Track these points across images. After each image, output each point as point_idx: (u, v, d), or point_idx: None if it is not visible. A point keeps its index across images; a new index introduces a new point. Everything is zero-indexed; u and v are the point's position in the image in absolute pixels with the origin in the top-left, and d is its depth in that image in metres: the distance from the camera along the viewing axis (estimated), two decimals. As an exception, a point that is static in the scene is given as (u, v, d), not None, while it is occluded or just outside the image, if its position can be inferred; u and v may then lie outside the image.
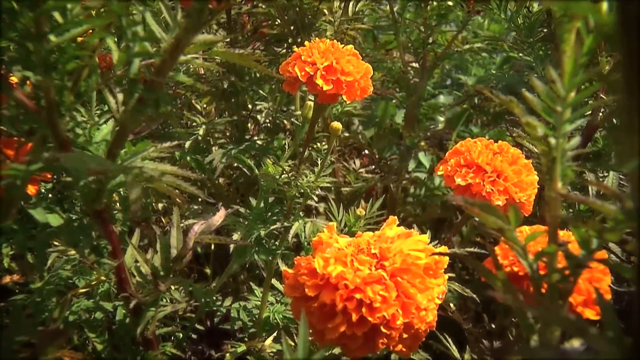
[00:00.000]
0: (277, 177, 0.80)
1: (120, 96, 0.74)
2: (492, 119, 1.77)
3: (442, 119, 1.90)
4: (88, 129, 0.69)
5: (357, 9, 1.04)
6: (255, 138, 1.10)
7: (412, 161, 1.59)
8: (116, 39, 0.60)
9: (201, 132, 1.01)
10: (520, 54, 1.08)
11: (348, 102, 0.81)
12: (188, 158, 1.01)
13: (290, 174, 0.80)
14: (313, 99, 0.81)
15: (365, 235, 0.64)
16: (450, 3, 1.48)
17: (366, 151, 1.38)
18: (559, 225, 0.49)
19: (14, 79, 0.59)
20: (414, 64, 1.38)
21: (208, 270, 1.14)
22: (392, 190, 1.20)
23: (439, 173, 0.74)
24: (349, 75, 0.74)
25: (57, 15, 0.56)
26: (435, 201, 1.32)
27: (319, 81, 0.72)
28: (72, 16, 0.57)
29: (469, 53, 1.40)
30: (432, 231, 1.54)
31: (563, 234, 0.55)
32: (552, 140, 0.48)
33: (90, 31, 0.61)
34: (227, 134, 1.12)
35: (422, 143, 1.39)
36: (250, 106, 1.10)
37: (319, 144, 0.97)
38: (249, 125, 1.13)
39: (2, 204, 0.65)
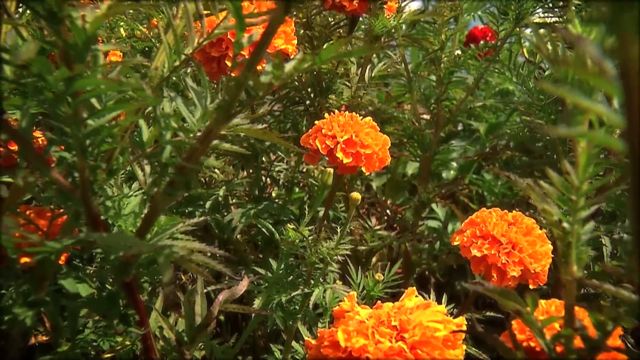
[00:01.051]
0: (298, 242, 0.83)
1: (147, 168, 0.78)
2: (503, 165, 1.80)
3: (454, 164, 1.93)
4: (117, 201, 0.72)
5: (373, 74, 1.08)
6: (274, 195, 1.13)
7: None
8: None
9: (221, 192, 1.04)
10: (532, 117, 1.11)
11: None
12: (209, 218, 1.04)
13: (310, 240, 0.82)
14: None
15: (385, 306, 0.66)
16: (458, 52, 1.52)
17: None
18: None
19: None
20: (426, 116, 1.42)
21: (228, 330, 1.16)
22: (408, 250, 1.22)
23: (455, 243, 0.76)
24: (368, 147, 0.77)
25: (94, 101, 0.59)
26: (450, 252, 1.34)
27: (339, 154, 0.75)
28: (107, 101, 0.60)
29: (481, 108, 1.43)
30: (446, 277, 1.56)
31: (578, 310, 0.57)
32: (567, 226, 0.50)
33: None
34: (246, 191, 1.15)
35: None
36: (268, 165, 1.13)
37: (336, 204, 1.00)
38: (267, 182, 1.16)
39: (35, 277, 0.68)
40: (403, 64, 1.26)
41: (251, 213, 1.02)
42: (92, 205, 0.63)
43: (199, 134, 0.58)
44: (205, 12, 0.65)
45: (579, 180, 0.47)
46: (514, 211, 0.76)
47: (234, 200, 1.11)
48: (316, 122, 0.80)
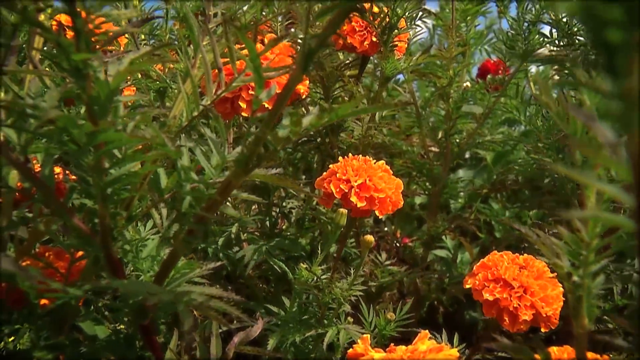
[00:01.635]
0: (311, 282, 0.84)
1: (164, 211, 0.79)
2: (511, 196, 1.81)
3: (462, 194, 1.94)
4: (135, 244, 0.73)
5: (384, 114, 1.10)
6: (285, 231, 1.14)
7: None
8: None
9: (233, 229, 1.05)
10: (540, 155, 1.12)
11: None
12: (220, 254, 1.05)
13: (323, 280, 0.83)
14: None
15: (398, 350, 0.67)
16: (467, 84, 1.54)
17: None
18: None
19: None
20: (434, 148, 1.43)
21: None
22: (419, 286, 1.23)
23: (467, 286, 0.77)
24: (382, 192, 0.78)
25: (115, 151, 0.61)
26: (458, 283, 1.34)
27: (354, 199, 0.77)
28: (128, 149, 0.62)
29: (489, 143, 1.44)
30: (455, 306, 1.56)
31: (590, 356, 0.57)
32: (578, 279, 0.51)
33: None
34: (257, 227, 1.16)
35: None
36: (279, 202, 1.14)
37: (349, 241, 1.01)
38: (278, 217, 1.17)
39: (55, 321, 0.69)
40: (412, 98, 1.28)
41: (263, 249, 1.03)
42: (112, 250, 0.65)
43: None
44: (222, 60, 0.67)
45: (589, 236, 0.48)
46: (524, 254, 0.77)
47: (245, 236, 1.12)
48: (330, 165, 0.82)
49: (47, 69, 0.81)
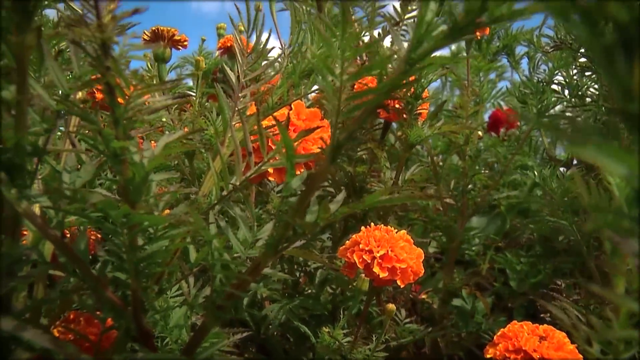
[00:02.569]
0: (333, 346, 0.85)
1: (191, 280, 0.82)
2: (525, 249, 1.81)
3: (477, 240, 1.94)
4: (164, 314, 0.75)
5: (406, 177, 1.12)
6: (306, 288, 1.16)
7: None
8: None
9: (259, 291, 1.07)
10: (555, 218, 1.14)
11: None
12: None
13: (345, 344, 0.85)
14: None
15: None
16: (479, 133, 1.56)
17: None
18: None
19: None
20: (449, 201, 1.45)
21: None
22: (439, 344, 1.24)
23: (488, 356, 0.78)
24: (403, 262, 0.80)
25: (150, 229, 0.64)
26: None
27: (376, 269, 0.79)
28: (160, 224, 0.65)
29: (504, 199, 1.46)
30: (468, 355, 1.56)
31: None
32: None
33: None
34: (281, 286, 1.18)
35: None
36: (302, 261, 1.16)
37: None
38: (300, 277, 1.19)
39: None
40: (428, 157, 1.31)
41: (286, 309, 1.05)
42: (143, 322, 0.67)
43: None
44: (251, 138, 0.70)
45: (619, 326, 0.50)
46: (544, 325, 0.79)
47: (266, 294, 1.14)
48: (353, 235, 0.84)
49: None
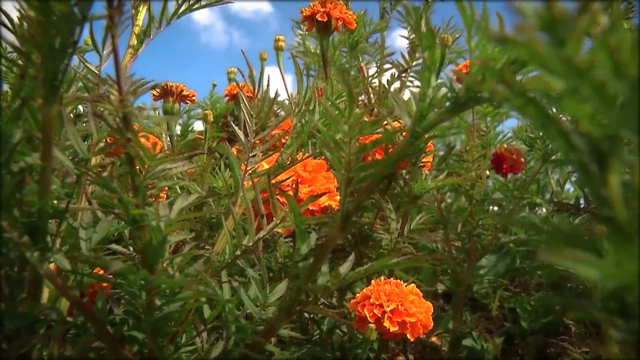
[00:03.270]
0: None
1: (204, 335, 0.84)
2: (534, 287, 1.82)
3: (486, 280, 1.95)
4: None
5: (412, 227, 1.14)
6: (314, 333, 1.17)
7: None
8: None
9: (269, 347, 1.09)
10: (563, 267, 1.15)
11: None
12: None
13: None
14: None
15: None
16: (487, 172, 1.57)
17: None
18: None
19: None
20: (457, 243, 1.47)
21: None
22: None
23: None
24: (413, 316, 0.82)
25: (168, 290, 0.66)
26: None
27: (387, 323, 0.81)
28: (176, 287, 0.67)
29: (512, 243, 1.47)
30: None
31: None
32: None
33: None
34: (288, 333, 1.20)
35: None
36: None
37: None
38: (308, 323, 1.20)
39: None
40: (435, 202, 1.33)
41: (295, 357, 1.06)
42: (159, 379, 0.69)
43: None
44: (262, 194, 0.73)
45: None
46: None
47: (274, 341, 1.16)
48: (364, 289, 0.86)
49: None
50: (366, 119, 1.35)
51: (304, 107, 0.73)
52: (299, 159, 0.74)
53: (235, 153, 1.62)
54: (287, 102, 1.40)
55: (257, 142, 0.77)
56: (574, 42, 0.25)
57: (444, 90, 0.51)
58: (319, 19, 0.99)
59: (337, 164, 0.52)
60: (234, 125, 0.76)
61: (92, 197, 0.80)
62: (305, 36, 1.90)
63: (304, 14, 1.02)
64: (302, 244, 0.57)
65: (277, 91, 0.83)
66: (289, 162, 0.73)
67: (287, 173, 0.78)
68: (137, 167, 0.59)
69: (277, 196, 0.69)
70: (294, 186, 0.71)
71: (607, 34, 0.25)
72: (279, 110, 1.91)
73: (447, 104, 0.50)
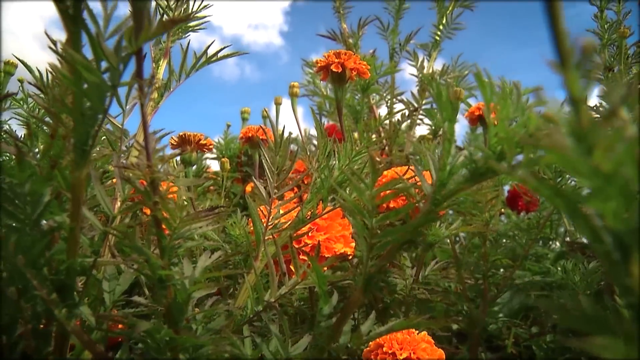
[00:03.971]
0: None
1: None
2: (549, 329, 1.81)
3: (500, 315, 1.94)
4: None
5: (426, 273, 1.15)
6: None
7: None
8: None
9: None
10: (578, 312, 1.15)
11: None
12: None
13: None
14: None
15: None
16: (502, 218, 1.58)
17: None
18: None
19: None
20: (470, 282, 1.47)
21: None
22: None
23: None
24: (426, 365, 0.83)
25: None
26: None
27: (401, 373, 0.82)
28: (200, 344, 0.68)
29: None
30: None
31: None
32: None
33: None
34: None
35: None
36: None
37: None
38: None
39: None
40: (451, 246, 1.34)
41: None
42: None
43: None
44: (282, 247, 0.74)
45: None
46: None
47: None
48: (377, 339, 0.87)
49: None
50: (378, 158, 1.36)
51: (323, 163, 0.75)
52: (319, 213, 0.75)
53: (249, 190, 1.64)
54: (299, 138, 1.42)
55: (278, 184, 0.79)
56: (601, 150, 0.27)
57: (462, 158, 0.53)
58: (334, 69, 1.01)
59: (360, 230, 0.53)
60: (256, 181, 0.78)
61: (114, 247, 0.82)
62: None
63: (319, 64, 1.04)
64: (325, 305, 0.58)
65: (290, 135, 0.85)
66: (309, 217, 0.75)
67: (308, 229, 0.80)
68: (164, 228, 0.61)
69: (297, 251, 0.70)
70: (315, 248, 0.73)
71: (633, 145, 0.26)
72: (293, 147, 1.93)
73: (466, 172, 0.51)
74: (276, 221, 0.75)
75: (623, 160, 0.27)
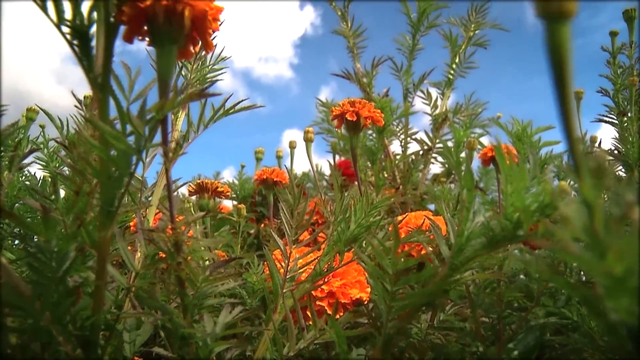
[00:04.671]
0: None
1: None
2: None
3: (516, 353, 1.93)
4: None
5: (441, 318, 1.16)
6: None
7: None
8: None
9: None
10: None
11: None
12: None
13: None
14: None
15: None
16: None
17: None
18: None
19: None
20: (484, 319, 1.47)
21: None
22: None
23: None
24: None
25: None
26: None
27: None
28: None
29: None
30: None
31: None
32: None
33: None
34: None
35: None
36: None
37: None
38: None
39: None
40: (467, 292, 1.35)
41: None
42: None
43: None
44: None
45: None
46: None
47: None
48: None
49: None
50: (390, 195, 1.37)
51: (340, 217, 0.77)
52: (336, 266, 0.76)
53: (262, 227, 1.66)
54: (313, 176, 1.44)
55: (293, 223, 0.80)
56: (613, 255, 0.28)
57: (479, 220, 0.54)
58: (349, 118, 1.03)
59: (380, 292, 0.54)
60: (274, 235, 0.79)
61: (134, 297, 0.84)
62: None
63: (334, 112, 1.07)
64: (345, 356, 0.59)
65: (304, 183, 0.86)
66: (326, 270, 0.76)
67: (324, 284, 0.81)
68: (187, 289, 0.62)
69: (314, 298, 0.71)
70: (331, 294, 0.74)
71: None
72: (306, 184, 1.96)
73: (483, 239, 0.52)
74: (294, 273, 0.76)
75: (633, 266, 0.28)
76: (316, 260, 0.77)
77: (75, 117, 1.15)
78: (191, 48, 0.62)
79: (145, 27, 0.60)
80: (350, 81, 1.90)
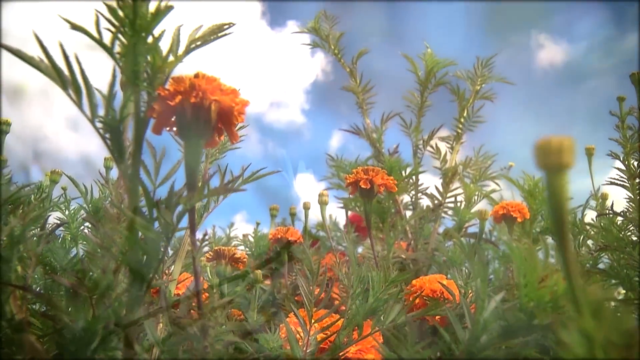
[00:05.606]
0: None
1: None
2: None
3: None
4: None
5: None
6: None
7: None
8: None
9: None
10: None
11: None
12: None
13: None
14: None
15: None
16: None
17: None
18: None
19: None
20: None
21: None
22: None
23: None
24: None
25: None
26: None
27: None
28: None
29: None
30: None
31: None
32: None
33: None
34: None
35: None
36: None
37: None
38: None
39: None
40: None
41: None
42: None
43: None
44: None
45: None
46: None
47: None
48: None
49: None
50: (403, 255, 1.39)
51: (358, 290, 0.79)
52: (355, 339, 0.78)
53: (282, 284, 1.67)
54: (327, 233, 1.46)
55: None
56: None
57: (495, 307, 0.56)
58: (362, 186, 1.06)
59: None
60: (293, 309, 0.82)
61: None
62: (340, 167, 1.97)
63: (348, 180, 1.10)
64: None
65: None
66: (345, 343, 0.78)
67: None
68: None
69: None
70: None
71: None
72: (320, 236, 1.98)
73: (499, 328, 0.54)
74: (314, 347, 0.78)
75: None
76: (335, 334, 0.79)
77: (99, 182, 1.18)
78: (217, 138, 0.66)
79: (173, 119, 0.63)
80: (360, 136, 1.94)
